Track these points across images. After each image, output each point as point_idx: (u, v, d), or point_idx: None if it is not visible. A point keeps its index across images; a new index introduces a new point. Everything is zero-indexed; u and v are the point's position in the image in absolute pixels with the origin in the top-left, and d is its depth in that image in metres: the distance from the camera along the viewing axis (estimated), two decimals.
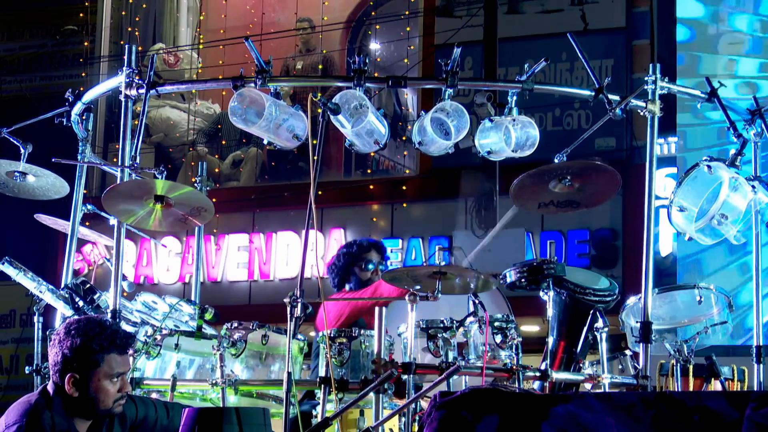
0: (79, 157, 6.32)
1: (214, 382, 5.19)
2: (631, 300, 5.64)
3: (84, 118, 6.29)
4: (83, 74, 15.68)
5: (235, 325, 5.35)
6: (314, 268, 11.09)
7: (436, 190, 13.58)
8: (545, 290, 5.64)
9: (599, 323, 5.43)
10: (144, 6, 16.14)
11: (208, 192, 6.59)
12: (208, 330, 5.54)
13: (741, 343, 9.78)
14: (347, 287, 6.69)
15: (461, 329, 5.31)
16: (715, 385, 5.81)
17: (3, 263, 5.70)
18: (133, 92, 5.72)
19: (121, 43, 15.13)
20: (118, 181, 5.58)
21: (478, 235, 12.18)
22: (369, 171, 14.56)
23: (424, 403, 4.92)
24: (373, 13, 15.29)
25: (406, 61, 14.04)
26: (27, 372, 5.87)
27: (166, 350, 5.39)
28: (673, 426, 3.35)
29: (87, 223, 6.51)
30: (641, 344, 5.34)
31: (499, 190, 12.22)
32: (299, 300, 4.84)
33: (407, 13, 14.35)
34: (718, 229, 5.64)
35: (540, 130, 5.80)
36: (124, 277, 5.72)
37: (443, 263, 5.30)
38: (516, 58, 12.13)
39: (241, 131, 12.25)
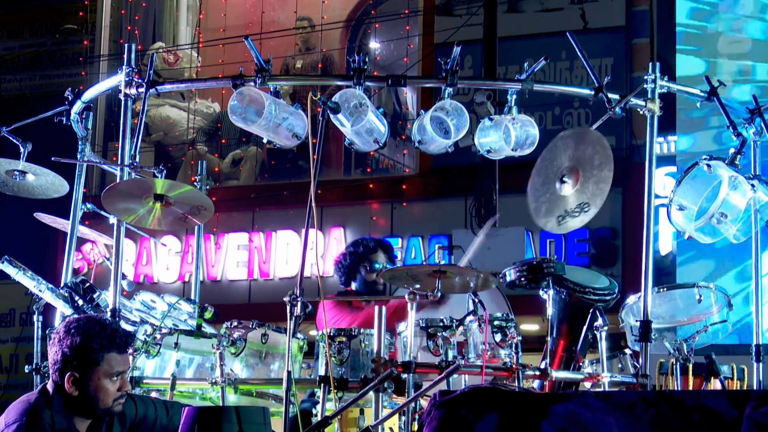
0: (78, 156, 6.31)
1: (213, 381, 5.18)
2: (631, 299, 5.64)
3: (84, 116, 6.29)
4: (83, 73, 15.68)
5: (235, 323, 5.34)
6: (314, 266, 11.12)
7: (435, 189, 13.58)
8: (545, 289, 5.63)
9: (599, 322, 5.43)
10: (144, 5, 16.15)
11: (207, 191, 6.58)
12: (208, 329, 5.54)
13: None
14: (353, 286, 6.69)
15: (461, 328, 5.31)
16: (715, 384, 5.80)
17: (3, 262, 5.70)
18: (133, 91, 5.72)
19: (121, 42, 15.12)
20: (118, 180, 5.58)
21: (478, 234, 12.17)
22: (369, 170, 14.56)
23: (424, 402, 4.92)
24: (372, 12, 15.29)
25: (405, 59, 14.04)
26: (26, 371, 5.87)
27: (165, 349, 5.39)
28: (673, 425, 3.35)
29: (86, 222, 6.51)
30: (641, 343, 5.34)
31: (498, 189, 12.22)
32: (299, 299, 4.83)
33: (407, 11, 14.35)
34: (717, 227, 5.64)
35: (540, 129, 5.80)
36: (124, 276, 5.72)
37: (443, 262, 5.30)
38: (516, 56, 12.13)
39: (240, 130, 12.26)
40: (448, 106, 5.68)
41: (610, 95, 5.62)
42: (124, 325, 5.16)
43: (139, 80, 5.72)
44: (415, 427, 4.93)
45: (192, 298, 6.58)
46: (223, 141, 15.32)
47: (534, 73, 5.67)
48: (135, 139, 5.62)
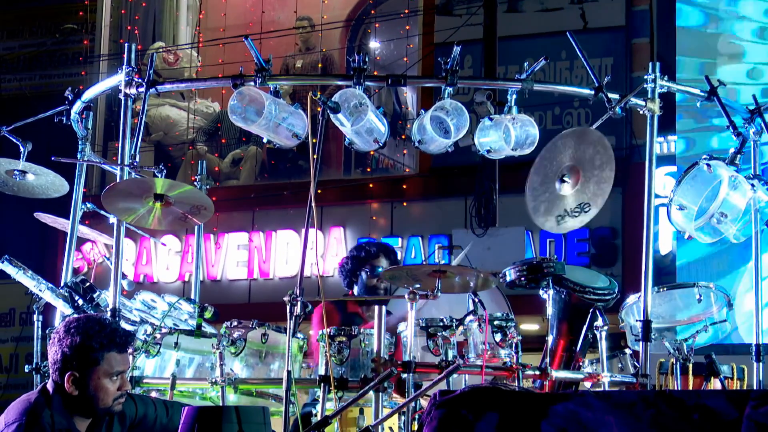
0: (78, 156, 6.32)
1: (213, 380, 5.19)
2: (631, 298, 5.64)
3: (84, 116, 6.29)
4: (83, 73, 15.67)
5: (235, 323, 5.34)
6: (314, 266, 11.12)
7: (435, 189, 13.58)
8: (545, 289, 5.64)
9: (599, 322, 5.43)
10: (143, 4, 16.14)
11: (207, 190, 6.58)
12: (208, 328, 5.54)
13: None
14: (355, 290, 6.68)
15: (461, 328, 5.31)
16: (715, 384, 5.80)
17: (3, 262, 5.70)
18: (133, 91, 5.72)
19: (121, 41, 15.11)
20: (118, 180, 5.58)
21: (478, 233, 12.19)
22: (368, 169, 14.56)
23: (424, 402, 4.92)
24: (372, 12, 15.28)
25: (405, 59, 14.03)
26: (26, 371, 5.87)
27: (165, 349, 5.39)
28: (673, 424, 3.35)
29: (86, 222, 6.51)
30: (641, 343, 5.34)
31: (498, 189, 12.22)
32: (299, 298, 4.83)
33: (407, 11, 14.34)
34: (717, 227, 5.64)
35: (539, 129, 5.80)
36: (124, 276, 5.72)
37: (443, 262, 5.30)
38: (516, 56, 12.13)
39: (240, 130, 12.26)
40: (448, 105, 5.68)
41: (610, 95, 5.62)
42: (124, 324, 5.16)
43: (139, 80, 5.72)
44: (415, 426, 4.93)
45: (192, 297, 6.58)
46: (223, 141, 15.31)
47: (534, 73, 5.67)
48: (135, 139, 5.62)
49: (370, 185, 14.09)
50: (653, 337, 5.38)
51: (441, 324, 5.27)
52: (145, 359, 5.37)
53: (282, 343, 5.31)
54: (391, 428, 5.19)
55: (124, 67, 5.76)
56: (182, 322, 5.81)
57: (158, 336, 5.39)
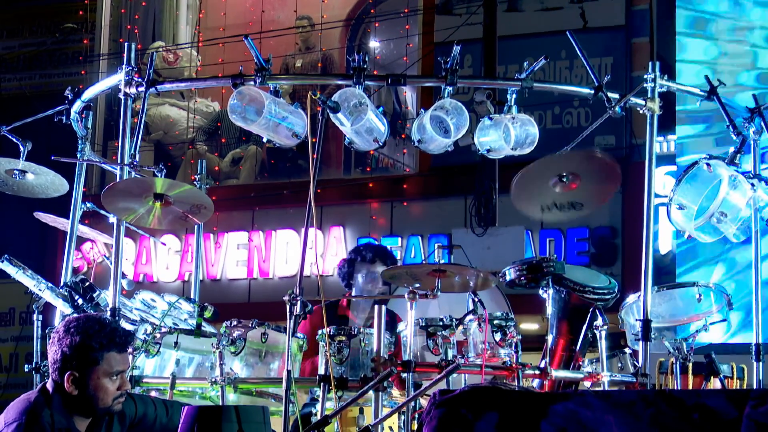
0: (78, 155, 6.32)
1: (213, 380, 5.18)
2: (631, 298, 5.64)
3: (83, 116, 6.29)
4: (83, 72, 15.67)
5: (235, 323, 5.34)
6: (313, 266, 11.11)
7: (435, 188, 13.58)
8: (545, 288, 5.64)
9: (599, 321, 5.43)
10: (143, 4, 16.14)
11: (207, 190, 6.58)
12: (208, 328, 5.54)
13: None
14: (353, 291, 6.67)
15: (460, 327, 5.31)
16: (715, 383, 5.81)
17: (2, 261, 5.70)
18: (133, 90, 5.72)
19: (121, 41, 15.10)
20: (118, 179, 5.58)
21: (478, 233, 12.19)
22: (368, 169, 14.56)
23: (424, 401, 4.92)
24: (372, 11, 15.28)
25: (405, 59, 14.03)
26: (26, 370, 5.87)
27: (165, 348, 5.39)
28: (673, 424, 3.35)
29: (86, 221, 6.51)
30: (641, 342, 5.34)
31: (498, 188, 12.22)
32: (298, 298, 4.84)
33: (406, 11, 14.34)
34: (717, 226, 5.64)
35: (539, 128, 5.80)
36: (124, 275, 5.72)
37: (442, 261, 5.30)
38: (515, 56, 12.13)
39: (240, 129, 12.27)
40: (448, 105, 5.68)
41: (609, 94, 5.62)
42: (123, 324, 5.16)
43: (139, 79, 5.72)
44: (415, 426, 4.93)
45: (192, 297, 6.58)
46: (223, 140, 15.31)
47: (534, 72, 5.67)
48: (135, 138, 5.62)
49: (370, 185, 14.09)
50: (653, 336, 5.38)
51: (441, 323, 5.27)
52: (145, 359, 5.37)
53: (282, 342, 5.31)
54: (390, 428, 5.19)
55: (124, 66, 5.76)
56: (182, 321, 5.81)
57: (158, 335, 5.39)
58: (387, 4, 15.04)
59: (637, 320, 5.43)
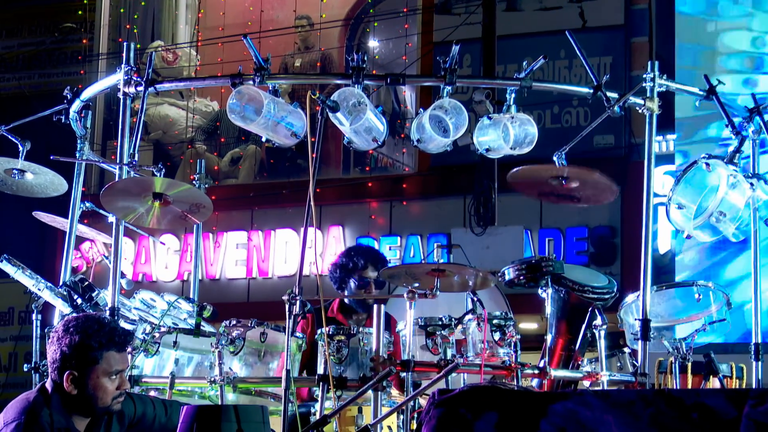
0: (77, 155, 6.31)
1: (212, 379, 5.18)
2: (630, 297, 5.64)
3: (82, 115, 6.29)
4: (82, 72, 15.66)
5: (234, 322, 5.34)
6: (313, 265, 11.10)
7: (434, 188, 13.57)
8: (544, 288, 5.64)
9: (598, 321, 5.43)
10: (143, 3, 16.13)
11: (206, 189, 6.58)
12: (207, 327, 5.54)
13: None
14: (346, 292, 6.63)
15: (460, 326, 5.31)
16: (714, 383, 5.80)
17: (1, 261, 5.70)
18: (132, 90, 5.72)
19: (120, 40, 15.10)
20: (117, 179, 5.58)
21: (477, 232, 12.19)
22: (367, 168, 14.55)
23: (423, 401, 4.92)
24: (371, 11, 15.27)
25: (404, 58, 14.03)
26: (25, 370, 5.87)
27: (164, 348, 5.39)
28: (672, 423, 3.35)
29: (85, 221, 6.51)
30: (640, 341, 5.34)
31: (497, 188, 12.22)
32: (298, 297, 4.83)
33: (405, 10, 14.33)
34: (716, 226, 5.64)
35: (538, 128, 5.80)
36: (123, 275, 5.71)
37: (442, 261, 5.30)
38: (514, 55, 12.12)
39: (239, 129, 12.23)
40: (447, 104, 5.68)
41: (608, 94, 5.62)
42: (123, 323, 5.16)
43: (138, 79, 5.71)
44: (414, 425, 4.93)
45: (191, 296, 6.58)
46: (222, 140, 15.30)
47: (533, 72, 5.68)
48: (134, 138, 5.61)
49: (369, 184, 14.08)
50: (652, 336, 5.38)
51: (440, 323, 5.27)
52: (144, 358, 5.37)
53: (281, 342, 5.30)
54: (390, 427, 5.19)
55: (123, 66, 5.76)
56: (181, 321, 5.80)
57: (157, 335, 5.39)
58: (386, 4, 15.04)
59: (636, 320, 5.43)
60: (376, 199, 13.91)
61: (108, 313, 5.35)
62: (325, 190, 12.92)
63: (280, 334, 5.28)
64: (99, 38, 15.98)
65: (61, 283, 5.75)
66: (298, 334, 5.36)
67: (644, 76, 5.71)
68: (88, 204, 6.31)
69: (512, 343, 5.28)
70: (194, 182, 6.68)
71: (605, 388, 5.32)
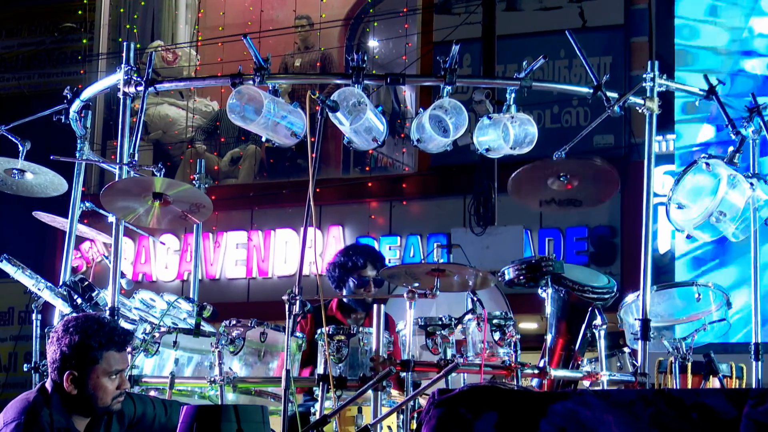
0: (77, 155, 6.31)
1: (212, 379, 5.18)
2: (630, 297, 5.64)
3: (82, 115, 6.29)
4: (82, 72, 15.65)
5: (234, 322, 5.34)
6: (313, 265, 11.10)
7: (434, 188, 13.57)
8: (544, 287, 5.64)
9: (598, 320, 5.43)
10: (142, 3, 16.13)
11: (206, 189, 6.58)
12: (207, 327, 5.54)
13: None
14: (344, 291, 6.62)
15: (459, 326, 5.31)
16: (714, 383, 5.80)
17: (1, 260, 5.70)
18: (132, 89, 5.72)
19: (120, 40, 15.10)
20: (117, 179, 5.58)
21: (477, 232, 12.19)
22: (367, 168, 14.55)
23: (423, 401, 4.92)
24: (371, 11, 15.27)
25: (404, 58, 14.02)
26: (25, 369, 5.87)
27: (164, 348, 5.39)
28: (672, 423, 3.35)
29: (85, 221, 6.51)
30: (640, 341, 5.34)
31: (497, 188, 12.22)
32: (297, 297, 4.83)
33: (405, 10, 14.33)
34: (716, 226, 5.64)
35: (538, 128, 5.80)
36: (123, 275, 5.71)
37: (441, 261, 5.30)
38: (514, 55, 12.13)
39: (239, 128, 12.23)
40: (447, 104, 5.68)
41: (608, 94, 5.62)
42: (123, 323, 5.16)
43: (138, 79, 5.72)
44: (414, 425, 4.93)
45: (191, 296, 6.58)
46: (222, 139, 15.30)
47: (533, 72, 5.68)
48: (134, 138, 5.61)
49: (369, 184, 14.08)
50: (652, 335, 5.38)
51: (440, 323, 5.27)
52: (144, 358, 5.37)
53: (281, 341, 5.30)
54: (389, 427, 5.19)
55: (122, 65, 5.76)
56: (181, 320, 5.80)
57: (157, 335, 5.39)
58: (386, 4, 15.04)
59: (636, 319, 5.43)
60: (376, 199, 13.91)
61: (108, 313, 5.35)
62: (325, 190, 12.92)
63: (280, 334, 5.28)
64: (99, 38, 15.98)
65: (61, 283, 5.75)
66: (298, 334, 5.36)
67: (644, 75, 5.71)
68: (88, 204, 6.31)
69: (512, 343, 5.28)
70: (194, 182, 6.68)
71: (605, 388, 5.32)
